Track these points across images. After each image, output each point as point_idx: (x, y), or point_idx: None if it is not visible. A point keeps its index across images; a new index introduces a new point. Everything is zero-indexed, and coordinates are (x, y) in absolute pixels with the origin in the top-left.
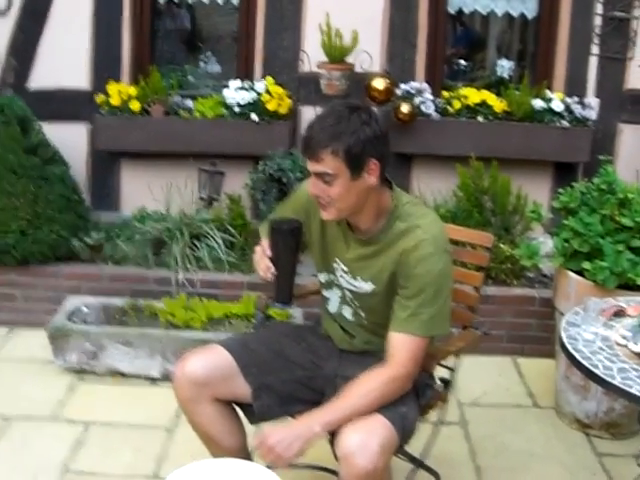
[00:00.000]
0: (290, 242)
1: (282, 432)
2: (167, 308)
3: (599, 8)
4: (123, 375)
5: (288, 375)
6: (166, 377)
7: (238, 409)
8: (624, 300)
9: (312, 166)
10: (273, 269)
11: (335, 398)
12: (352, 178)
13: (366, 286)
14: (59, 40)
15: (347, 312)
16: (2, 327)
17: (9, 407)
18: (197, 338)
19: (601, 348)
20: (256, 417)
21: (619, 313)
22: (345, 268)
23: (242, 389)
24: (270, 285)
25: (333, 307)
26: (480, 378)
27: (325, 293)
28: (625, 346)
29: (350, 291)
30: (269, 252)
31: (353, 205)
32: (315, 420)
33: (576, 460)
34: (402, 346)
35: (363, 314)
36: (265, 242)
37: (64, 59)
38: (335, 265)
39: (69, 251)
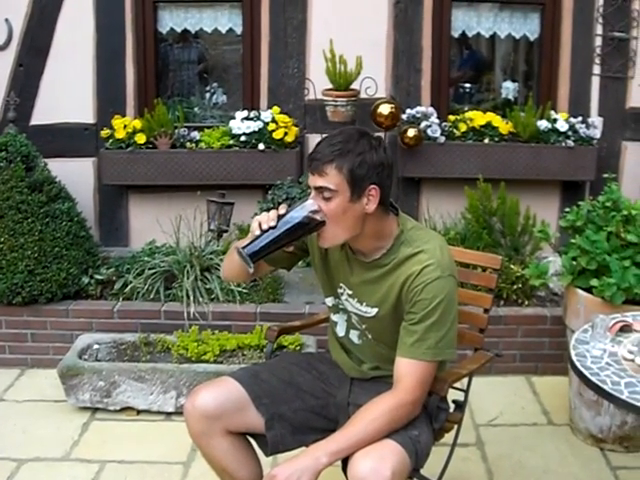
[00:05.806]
0: (306, 226)
1: (289, 467)
2: (179, 342)
3: (599, 29)
4: (137, 411)
5: (300, 404)
6: (181, 411)
7: (252, 441)
8: (631, 315)
9: (314, 180)
10: (272, 224)
11: (341, 427)
12: (351, 199)
13: (371, 310)
14: (61, 75)
15: (354, 335)
16: (13, 368)
17: (21, 449)
18: (210, 371)
19: (609, 364)
20: (270, 448)
21: (625, 328)
22: (350, 292)
23: (255, 420)
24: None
25: (341, 330)
26: (495, 398)
27: (333, 317)
28: (632, 360)
29: (356, 314)
30: (283, 211)
31: (346, 229)
32: (322, 450)
33: (591, 475)
34: (409, 372)
35: (370, 336)
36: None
37: (67, 94)
38: (340, 290)
39: (78, 288)
